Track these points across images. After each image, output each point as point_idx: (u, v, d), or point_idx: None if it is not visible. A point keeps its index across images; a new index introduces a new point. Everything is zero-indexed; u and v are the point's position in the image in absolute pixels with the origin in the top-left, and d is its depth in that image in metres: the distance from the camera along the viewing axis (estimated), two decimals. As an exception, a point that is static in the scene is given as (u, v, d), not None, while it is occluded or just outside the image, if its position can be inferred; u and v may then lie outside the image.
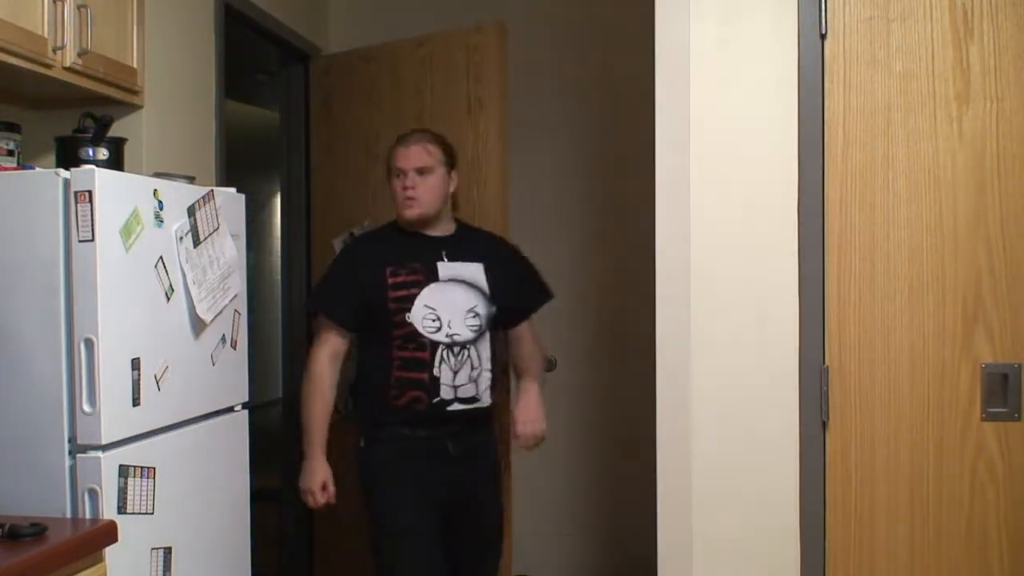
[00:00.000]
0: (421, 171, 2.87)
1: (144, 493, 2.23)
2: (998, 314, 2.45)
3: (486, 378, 2.91)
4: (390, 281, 2.84)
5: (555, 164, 4.15)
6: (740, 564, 2.57)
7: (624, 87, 3.90)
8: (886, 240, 2.50)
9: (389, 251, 2.91)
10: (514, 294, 3.00)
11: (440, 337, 2.82)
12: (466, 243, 2.97)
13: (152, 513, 2.26)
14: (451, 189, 2.94)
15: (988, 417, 2.45)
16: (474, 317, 2.88)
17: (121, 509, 2.15)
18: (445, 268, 2.89)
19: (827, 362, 2.53)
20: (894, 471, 2.50)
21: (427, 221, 2.92)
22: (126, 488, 2.16)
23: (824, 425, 2.53)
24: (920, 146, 2.48)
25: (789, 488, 2.54)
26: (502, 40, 3.46)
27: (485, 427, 3.01)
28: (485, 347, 2.91)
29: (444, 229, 2.97)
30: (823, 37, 2.52)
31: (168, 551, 2.32)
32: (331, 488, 2.89)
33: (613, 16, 4.04)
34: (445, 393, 2.83)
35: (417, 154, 2.88)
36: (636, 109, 3.23)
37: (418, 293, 2.83)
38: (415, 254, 2.89)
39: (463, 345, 2.84)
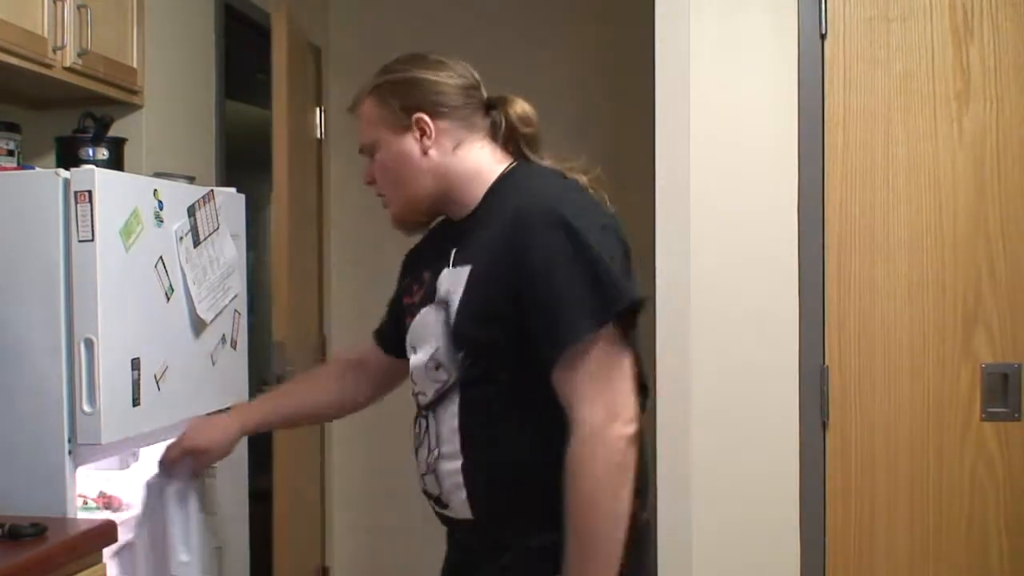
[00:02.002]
0: (369, 151, 1.74)
1: (144, 493, 2.23)
2: (998, 314, 2.45)
3: (451, 470, 1.62)
4: (405, 303, 1.79)
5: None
6: (741, 564, 2.57)
7: (623, 86, 3.90)
8: (886, 240, 2.50)
9: (418, 255, 1.85)
10: (493, 317, 1.58)
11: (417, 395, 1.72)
12: (480, 226, 1.66)
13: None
14: (427, 146, 1.67)
15: (988, 417, 2.45)
16: (438, 368, 1.64)
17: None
18: (445, 278, 1.67)
19: (827, 362, 2.53)
20: (894, 471, 2.50)
21: (436, 209, 1.74)
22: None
23: (824, 425, 2.53)
24: (920, 146, 2.48)
25: (789, 488, 2.54)
26: (280, 26, 3.26)
27: (497, 559, 1.61)
28: (451, 414, 1.62)
29: (465, 204, 1.70)
30: (823, 37, 2.52)
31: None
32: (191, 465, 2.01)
33: (614, 16, 4.03)
34: (423, 486, 1.71)
35: (359, 128, 1.76)
36: (636, 109, 3.23)
37: (411, 323, 1.73)
38: (430, 256, 1.77)
39: (425, 409, 1.68)
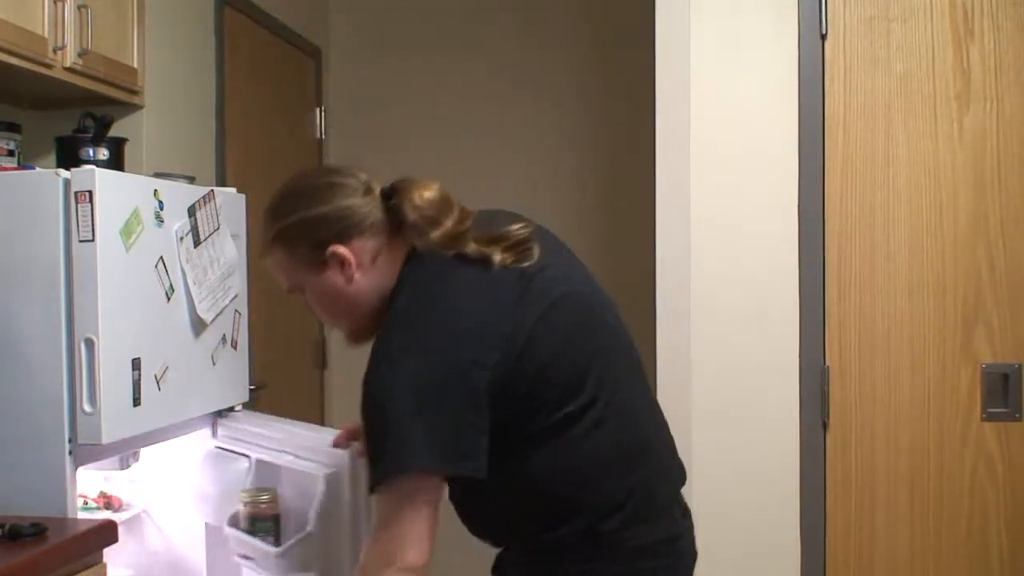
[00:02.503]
0: (297, 290, 1.74)
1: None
2: (998, 314, 2.45)
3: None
4: None
5: (556, 165, 4.15)
6: (740, 564, 2.56)
7: (623, 87, 3.90)
8: (886, 240, 2.50)
9: None
10: None
11: None
12: None
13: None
14: (350, 274, 1.64)
15: (988, 417, 2.46)
16: None
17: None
18: None
19: (827, 362, 2.53)
20: (894, 471, 2.50)
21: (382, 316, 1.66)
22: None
23: (824, 425, 2.53)
24: (920, 146, 2.48)
25: (789, 488, 2.54)
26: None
27: None
28: None
29: None
30: (823, 37, 2.52)
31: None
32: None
33: (615, 16, 4.03)
34: None
35: (279, 278, 1.74)
36: (636, 109, 3.23)
37: None
38: None
39: None
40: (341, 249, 1.62)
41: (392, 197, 1.66)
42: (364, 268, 1.64)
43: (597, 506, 1.61)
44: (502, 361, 1.54)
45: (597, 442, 1.61)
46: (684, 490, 2.55)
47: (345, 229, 1.63)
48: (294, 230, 1.65)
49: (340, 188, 1.65)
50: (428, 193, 1.64)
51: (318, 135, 4.08)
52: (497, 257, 1.61)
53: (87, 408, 2.07)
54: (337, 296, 1.66)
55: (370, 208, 1.65)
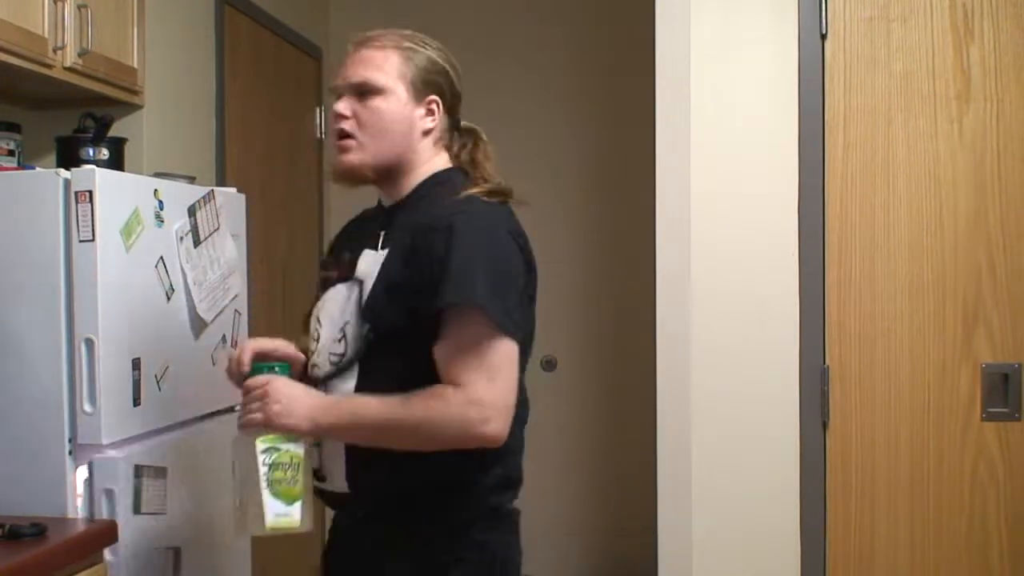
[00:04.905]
0: (362, 91, 1.77)
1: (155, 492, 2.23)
2: (998, 314, 2.45)
3: (336, 445, 1.70)
4: (321, 279, 1.88)
5: (557, 164, 4.16)
6: (740, 564, 2.57)
7: (625, 89, 3.91)
8: (886, 240, 2.50)
9: (345, 237, 1.94)
10: (400, 298, 1.66)
11: (313, 368, 1.79)
12: (406, 215, 1.75)
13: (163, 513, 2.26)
14: (427, 127, 1.75)
15: (988, 417, 2.46)
16: (340, 340, 1.72)
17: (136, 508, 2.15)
18: (367, 259, 1.76)
19: (827, 362, 2.53)
20: (894, 471, 2.50)
21: (380, 177, 1.78)
22: (140, 488, 2.17)
23: (824, 425, 2.53)
24: (920, 146, 2.48)
25: (789, 488, 2.54)
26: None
27: (376, 546, 1.72)
28: (347, 389, 1.70)
29: (401, 190, 1.79)
30: (823, 37, 2.52)
31: (176, 551, 2.32)
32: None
33: (614, 16, 4.04)
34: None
35: (361, 62, 1.81)
36: (636, 109, 3.23)
37: (322, 296, 1.82)
38: (356, 237, 1.86)
39: (317, 383, 1.74)
40: (439, 105, 1.77)
41: (459, 130, 1.85)
42: (431, 135, 1.77)
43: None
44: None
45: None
46: (684, 489, 2.56)
47: (450, 99, 1.80)
48: (429, 61, 1.79)
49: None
50: (491, 152, 1.87)
51: (318, 135, 4.09)
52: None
53: (87, 408, 2.07)
54: (401, 128, 1.74)
55: (458, 113, 1.85)
